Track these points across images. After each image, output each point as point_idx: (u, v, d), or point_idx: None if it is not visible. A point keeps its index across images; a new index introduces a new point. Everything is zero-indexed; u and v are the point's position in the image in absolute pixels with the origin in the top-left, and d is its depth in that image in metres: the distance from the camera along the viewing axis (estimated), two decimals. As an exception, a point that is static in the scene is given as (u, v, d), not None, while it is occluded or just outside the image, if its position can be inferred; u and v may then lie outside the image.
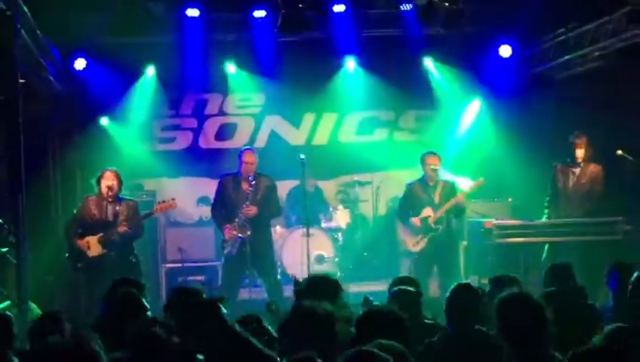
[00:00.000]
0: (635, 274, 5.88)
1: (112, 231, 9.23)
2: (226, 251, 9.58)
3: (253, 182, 9.56)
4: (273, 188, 9.85)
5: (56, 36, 10.61)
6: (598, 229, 9.42)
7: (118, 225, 9.25)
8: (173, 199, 9.80)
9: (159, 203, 9.85)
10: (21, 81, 9.20)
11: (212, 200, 10.23)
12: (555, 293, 5.97)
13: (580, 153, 9.86)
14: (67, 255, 9.42)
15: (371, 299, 6.04)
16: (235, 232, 9.50)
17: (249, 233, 9.49)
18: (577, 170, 9.90)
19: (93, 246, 9.26)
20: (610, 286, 6.38)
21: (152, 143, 12.63)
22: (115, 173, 9.42)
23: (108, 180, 9.33)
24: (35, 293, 8.53)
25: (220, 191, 9.86)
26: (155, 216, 10.24)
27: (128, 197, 9.70)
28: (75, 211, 9.71)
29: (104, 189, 9.33)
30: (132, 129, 12.21)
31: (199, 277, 11.26)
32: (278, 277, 10.18)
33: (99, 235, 9.24)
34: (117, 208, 9.35)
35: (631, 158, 9.59)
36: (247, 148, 10.21)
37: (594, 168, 9.88)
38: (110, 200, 9.35)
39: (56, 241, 10.68)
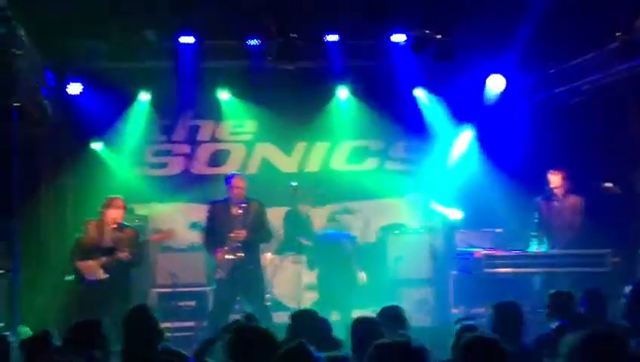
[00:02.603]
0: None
1: (112, 257, 9.29)
2: (217, 276, 9.60)
3: (244, 206, 9.62)
4: (263, 212, 9.88)
5: (51, 61, 10.71)
6: (586, 261, 9.51)
7: (120, 251, 9.33)
8: (170, 230, 9.91)
9: (157, 232, 9.97)
10: (15, 104, 9.30)
11: (203, 227, 10.26)
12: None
13: (555, 189, 9.99)
14: (70, 278, 9.45)
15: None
16: (226, 256, 9.54)
17: (240, 255, 9.52)
18: (558, 203, 10.03)
19: (95, 270, 9.30)
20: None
21: (145, 168, 12.68)
22: (123, 201, 9.54)
23: (118, 208, 9.43)
24: (27, 316, 8.55)
25: (211, 218, 9.90)
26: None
27: (129, 225, 9.77)
28: (77, 236, 9.76)
29: (111, 216, 9.41)
30: (125, 154, 12.27)
31: (190, 302, 11.30)
32: (268, 303, 10.21)
33: (100, 260, 9.30)
34: (119, 234, 9.43)
35: (619, 191, 9.69)
36: (236, 174, 10.26)
37: (573, 200, 10.00)
38: (114, 226, 9.44)
39: (47, 265, 10.72)
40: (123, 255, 9.29)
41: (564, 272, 9.45)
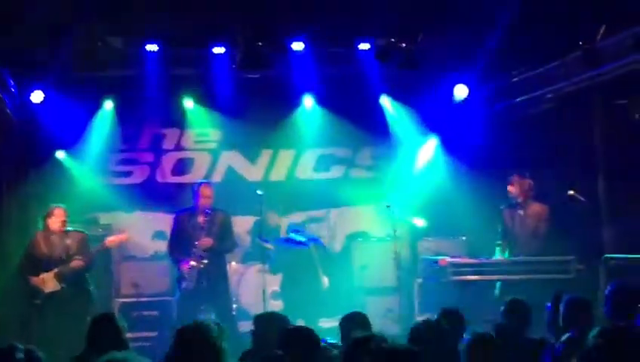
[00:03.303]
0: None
1: (65, 267, 9.23)
2: (183, 285, 9.55)
3: (209, 215, 9.59)
4: (228, 222, 9.89)
5: (13, 68, 10.58)
6: (550, 268, 9.56)
7: (71, 260, 9.26)
8: (124, 231, 9.91)
9: (110, 236, 10.06)
10: (-24, 112, 9.19)
11: (168, 236, 10.20)
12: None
13: (513, 189, 10.04)
14: (22, 292, 9.36)
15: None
16: (192, 262, 9.48)
17: (206, 262, 9.48)
18: (522, 211, 10.06)
19: (49, 282, 9.28)
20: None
21: (109, 177, 12.54)
22: (64, 210, 9.53)
23: (59, 217, 9.39)
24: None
25: (176, 228, 9.87)
26: (108, 249, 10.24)
27: (75, 229, 9.71)
28: (25, 249, 9.65)
29: (53, 226, 9.36)
30: (88, 162, 12.12)
31: (153, 312, 11.21)
32: (233, 312, 10.17)
33: (53, 271, 9.25)
34: (67, 241, 9.40)
35: (582, 199, 9.78)
36: (205, 182, 10.24)
37: (537, 208, 10.04)
38: (60, 234, 9.40)
39: (7, 275, 10.57)
40: (75, 263, 9.27)
41: (528, 279, 9.48)
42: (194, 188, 9.86)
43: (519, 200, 10.06)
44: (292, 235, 11.34)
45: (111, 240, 9.79)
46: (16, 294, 9.99)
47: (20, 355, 5.15)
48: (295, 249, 11.13)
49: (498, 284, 9.85)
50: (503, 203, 10.25)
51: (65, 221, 9.53)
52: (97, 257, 9.95)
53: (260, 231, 10.84)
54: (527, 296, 7.07)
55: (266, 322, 6.19)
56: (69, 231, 9.56)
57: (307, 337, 5.39)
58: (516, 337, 6.20)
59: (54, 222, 9.46)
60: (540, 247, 9.85)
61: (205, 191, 9.73)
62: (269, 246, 11.03)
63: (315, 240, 11.47)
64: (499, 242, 10.14)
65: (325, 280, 10.88)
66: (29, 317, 9.48)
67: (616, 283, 6.75)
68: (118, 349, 5.43)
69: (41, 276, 9.29)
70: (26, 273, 9.42)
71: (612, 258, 9.29)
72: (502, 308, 6.89)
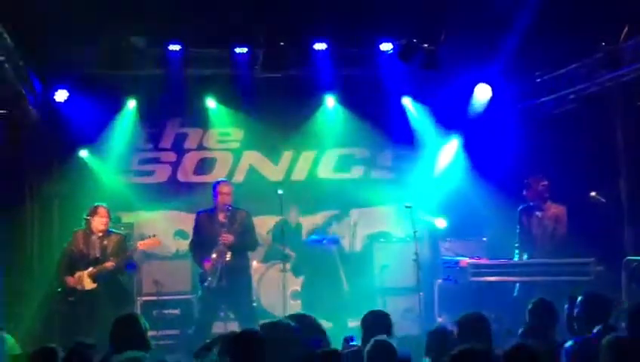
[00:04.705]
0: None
1: (101, 267, 9.34)
2: (206, 283, 9.57)
3: (230, 213, 9.63)
4: (250, 221, 9.90)
5: (38, 67, 10.68)
6: (570, 269, 9.50)
7: (107, 260, 9.36)
8: (155, 236, 9.93)
9: (143, 239, 10.04)
10: (1, 111, 9.27)
11: (190, 236, 10.25)
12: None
13: (529, 193, 9.99)
14: (59, 289, 9.47)
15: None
16: (215, 257, 9.52)
17: (228, 258, 9.51)
18: (539, 213, 10.00)
19: (84, 280, 9.37)
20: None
21: (131, 176, 12.63)
22: (108, 210, 9.61)
23: (102, 217, 9.48)
24: (10, 326, 8.52)
25: (197, 227, 9.91)
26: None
27: (116, 231, 9.81)
28: (65, 245, 9.75)
29: (96, 225, 9.45)
30: (111, 161, 12.22)
31: (175, 311, 11.27)
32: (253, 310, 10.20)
33: (89, 270, 9.35)
34: (105, 242, 9.51)
35: (603, 200, 9.73)
36: (222, 180, 10.28)
37: (556, 209, 9.95)
38: (100, 235, 9.48)
39: (32, 273, 10.69)
40: (109, 264, 9.37)
41: (547, 281, 9.44)
42: (213, 187, 9.91)
43: (536, 202, 10.00)
44: (315, 236, 11.46)
45: (143, 243, 9.87)
46: (41, 294, 10.12)
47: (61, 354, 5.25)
48: (317, 251, 11.19)
49: (517, 286, 9.82)
50: (522, 204, 10.21)
51: (108, 221, 9.61)
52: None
53: (282, 232, 10.87)
54: (546, 298, 7.04)
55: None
56: (110, 232, 9.64)
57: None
58: (545, 338, 6.18)
59: (98, 222, 9.52)
60: (558, 249, 9.79)
61: (224, 188, 9.77)
62: (289, 252, 11.07)
63: (334, 240, 11.54)
64: (516, 244, 10.10)
65: (345, 282, 10.90)
66: (57, 316, 9.57)
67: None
68: (140, 349, 5.50)
69: (77, 274, 9.40)
70: (63, 270, 9.52)
71: (634, 260, 9.24)
72: (529, 307, 6.84)
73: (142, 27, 10.67)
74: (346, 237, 12.70)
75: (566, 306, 6.65)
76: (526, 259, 9.93)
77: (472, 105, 12.24)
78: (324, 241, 11.63)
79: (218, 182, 10.01)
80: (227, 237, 9.52)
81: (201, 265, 9.72)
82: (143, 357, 4.52)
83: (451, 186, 12.28)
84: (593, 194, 9.81)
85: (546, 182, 9.94)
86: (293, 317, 6.43)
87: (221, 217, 9.63)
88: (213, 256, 9.51)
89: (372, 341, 5.53)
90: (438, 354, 5.41)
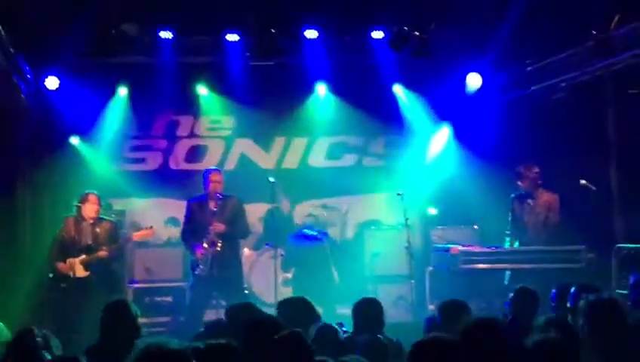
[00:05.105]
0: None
1: (93, 255, 9.34)
2: (197, 271, 9.59)
3: (221, 201, 9.64)
4: (241, 209, 9.91)
5: (29, 54, 10.64)
6: (561, 257, 9.54)
7: (99, 249, 9.36)
8: (151, 227, 9.97)
9: (138, 230, 10.14)
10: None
11: (181, 223, 10.26)
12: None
13: (523, 183, 10.00)
14: (51, 276, 9.46)
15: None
16: (206, 246, 9.54)
17: (219, 247, 9.53)
18: (532, 201, 10.00)
19: (76, 268, 9.36)
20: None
21: (122, 163, 12.61)
22: (98, 197, 9.62)
23: (93, 204, 9.47)
24: (1, 313, 8.51)
25: (189, 215, 9.92)
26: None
27: (107, 218, 9.80)
28: (57, 232, 9.74)
29: (87, 212, 9.45)
30: (103, 149, 12.20)
31: (166, 298, 11.29)
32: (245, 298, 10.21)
33: (81, 258, 9.35)
34: (97, 230, 9.50)
35: (593, 188, 9.76)
36: (213, 168, 10.28)
37: (548, 197, 9.96)
38: (91, 222, 9.47)
39: (23, 260, 10.67)
40: (102, 253, 9.37)
41: (538, 268, 9.47)
42: (204, 175, 9.91)
43: (529, 190, 10.02)
44: (305, 231, 11.47)
45: (138, 234, 9.89)
46: (31, 282, 10.11)
47: (38, 339, 5.21)
48: (307, 244, 11.22)
49: (508, 273, 9.85)
50: (514, 191, 10.23)
51: (99, 208, 9.60)
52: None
53: (272, 220, 10.89)
54: (536, 285, 7.08)
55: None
56: (101, 219, 9.64)
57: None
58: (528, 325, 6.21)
59: (89, 209, 9.51)
60: (550, 237, 9.82)
61: (215, 176, 9.78)
62: (279, 251, 11.08)
63: (326, 235, 11.58)
64: (508, 231, 10.13)
65: (336, 275, 10.93)
66: (53, 300, 9.56)
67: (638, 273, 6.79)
68: (131, 336, 5.50)
69: (68, 261, 9.39)
70: (54, 258, 9.50)
71: (624, 248, 9.28)
72: (510, 295, 6.90)
73: (133, 14, 10.63)
74: (337, 225, 12.71)
75: (553, 292, 6.65)
76: (517, 247, 9.96)
77: (463, 93, 12.25)
78: (315, 236, 11.63)
79: (209, 171, 10.01)
80: (218, 226, 9.54)
81: (192, 252, 9.73)
82: (167, 343, 4.44)
83: (443, 174, 12.32)
84: (583, 182, 9.83)
85: (537, 169, 9.95)
86: (287, 301, 6.48)
87: (212, 206, 9.64)
88: (205, 245, 9.53)
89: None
90: None
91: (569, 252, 9.57)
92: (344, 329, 6.12)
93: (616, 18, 9.41)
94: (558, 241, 9.71)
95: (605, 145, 10.51)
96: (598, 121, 10.55)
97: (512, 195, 10.16)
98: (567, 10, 9.68)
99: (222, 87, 12.37)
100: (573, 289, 6.00)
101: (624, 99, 10.11)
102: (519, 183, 9.99)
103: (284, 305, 6.33)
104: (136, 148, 12.81)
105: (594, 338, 4.75)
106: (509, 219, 10.15)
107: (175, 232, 11.60)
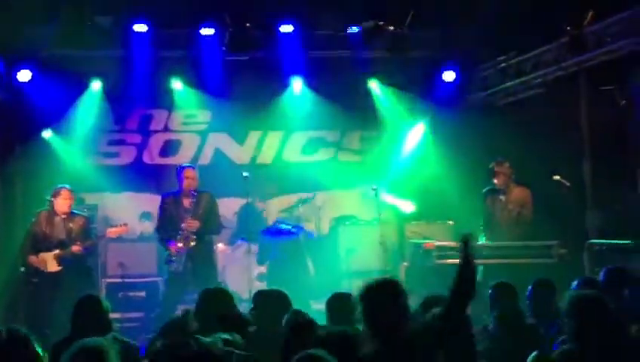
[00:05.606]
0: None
1: (66, 250, 9.28)
2: (172, 268, 9.57)
3: (195, 197, 9.61)
4: (214, 204, 9.89)
5: (1, 47, 10.53)
6: (533, 252, 9.57)
7: (72, 243, 9.30)
8: (125, 224, 9.95)
9: (110, 224, 10.16)
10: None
11: (155, 219, 10.22)
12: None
13: (498, 180, 10.01)
14: (22, 269, 9.41)
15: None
16: (180, 244, 9.51)
17: (193, 244, 9.51)
18: (503, 197, 10.00)
19: (49, 262, 9.31)
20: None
21: (96, 157, 12.52)
22: (71, 191, 9.54)
23: (65, 199, 9.41)
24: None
25: (163, 211, 9.88)
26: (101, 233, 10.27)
27: (79, 213, 9.74)
28: (28, 226, 9.65)
29: (59, 207, 9.38)
30: (75, 142, 12.10)
31: (140, 293, 11.23)
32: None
33: (54, 253, 9.29)
34: (70, 225, 9.44)
35: (567, 184, 9.80)
36: (187, 165, 10.23)
37: (520, 192, 9.96)
38: (64, 216, 9.40)
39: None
40: (75, 248, 9.31)
41: (511, 264, 9.49)
42: (177, 172, 9.86)
43: (499, 185, 10.01)
44: (281, 226, 11.44)
45: (113, 231, 9.84)
46: (3, 277, 10.03)
47: (3, 336, 5.15)
48: (282, 239, 11.20)
49: (480, 269, 9.86)
50: (487, 186, 10.23)
51: (71, 203, 9.54)
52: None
53: (246, 214, 10.85)
54: (509, 281, 7.09)
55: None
56: (73, 213, 9.57)
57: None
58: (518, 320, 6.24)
59: (61, 204, 9.45)
60: (522, 233, 9.84)
61: (189, 173, 9.74)
62: (253, 247, 11.05)
63: (301, 228, 11.55)
64: (482, 227, 10.14)
65: (312, 268, 10.90)
66: (24, 294, 9.50)
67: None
68: (102, 331, 5.45)
69: (40, 255, 9.33)
70: (26, 251, 9.43)
71: (596, 243, 9.33)
72: (489, 291, 6.89)
73: (107, 6, 10.55)
74: (312, 220, 12.68)
75: (529, 289, 6.67)
76: (488, 242, 9.98)
77: (439, 88, 12.26)
78: (289, 231, 11.59)
79: (183, 167, 9.96)
80: (192, 223, 9.51)
81: (166, 247, 9.70)
82: (105, 343, 4.39)
83: (418, 169, 12.32)
84: (557, 177, 9.86)
85: (508, 164, 9.97)
86: (261, 293, 6.48)
87: (186, 203, 9.62)
88: (179, 243, 9.50)
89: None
90: None
91: (541, 247, 9.61)
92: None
93: (589, 14, 9.44)
94: (530, 237, 9.74)
95: (579, 141, 10.55)
96: (572, 117, 10.59)
97: (484, 190, 10.17)
98: (542, 7, 9.70)
99: (196, 81, 12.30)
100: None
101: (597, 95, 10.16)
102: (494, 181, 10.00)
103: (260, 296, 6.33)
104: (109, 143, 12.73)
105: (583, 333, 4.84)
106: (483, 213, 10.16)
107: (149, 227, 11.54)
